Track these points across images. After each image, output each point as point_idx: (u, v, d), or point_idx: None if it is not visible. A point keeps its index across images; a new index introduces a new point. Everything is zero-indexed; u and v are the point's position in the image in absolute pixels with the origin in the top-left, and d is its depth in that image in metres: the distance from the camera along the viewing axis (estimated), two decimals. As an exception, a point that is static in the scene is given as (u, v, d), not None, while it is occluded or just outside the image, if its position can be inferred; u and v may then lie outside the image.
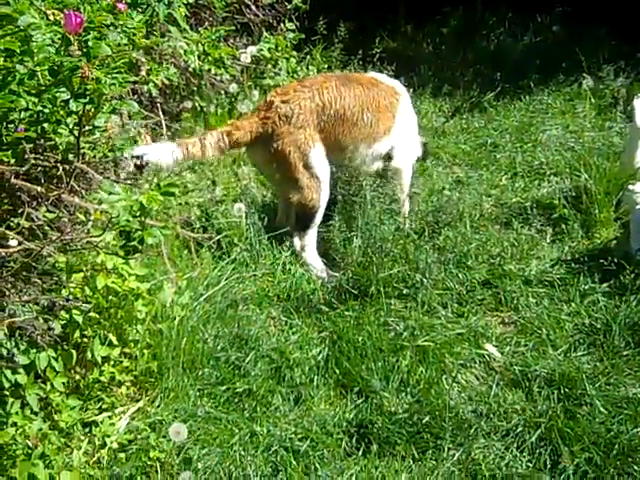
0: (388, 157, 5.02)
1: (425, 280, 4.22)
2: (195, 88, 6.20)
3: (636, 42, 7.51)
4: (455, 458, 3.20)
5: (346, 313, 4.08)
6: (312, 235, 4.71)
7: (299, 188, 4.62)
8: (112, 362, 3.49)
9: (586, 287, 4.23)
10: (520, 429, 3.30)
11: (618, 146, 5.66)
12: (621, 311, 3.89)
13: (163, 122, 5.74)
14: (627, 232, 4.58)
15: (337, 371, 3.71)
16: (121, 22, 4.28)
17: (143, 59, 5.16)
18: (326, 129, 4.70)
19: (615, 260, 4.17)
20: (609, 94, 6.60)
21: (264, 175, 5.09)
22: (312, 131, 4.64)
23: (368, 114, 4.81)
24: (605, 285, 4.19)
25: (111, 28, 3.60)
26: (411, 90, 7.04)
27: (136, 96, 5.50)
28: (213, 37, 6.09)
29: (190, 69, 5.93)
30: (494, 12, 8.87)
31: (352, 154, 4.83)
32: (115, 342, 3.46)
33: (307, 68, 6.94)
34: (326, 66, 7.34)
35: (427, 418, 3.33)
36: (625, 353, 3.70)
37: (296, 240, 4.70)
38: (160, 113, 5.80)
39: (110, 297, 3.49)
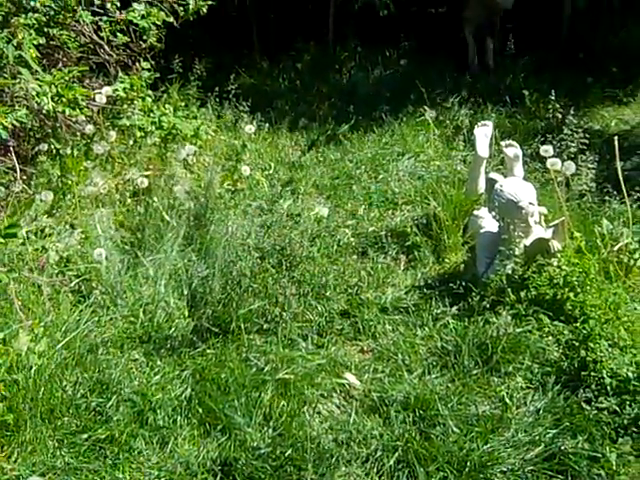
0: None
1: (285, 314, 4.32)
2: (50, 130, 6.09)
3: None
4: (317, 488, 3.28)
5: (208, 351, 4.11)
6: None
7: None
8: (-35, 418, 3.39)
9: (438, 311, 4.42)
10: (379, 454, 3.41)
11: (463, 173, 5.95)
12: (469, 332, 4.10)
13: (17, 166, 5.61)
14: (473, 256, 4.84)
15: (200, 410, 3.71)
16: (-33, 65, 4.20)
17: (-8, 102, 5.07)
18: None
19: (463, 283, 4.40)
20: (453, 124, 6.93)
21: None
22: None
23: None
24: (455, 308, 4.39)
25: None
26: (267, 125, 7.22)
27: (-14, 141, 5.37)
28: (67, 78, 5.99)
29: (44, 111, 5.82)
30: (344, 47, 9.20)
31: None
32: (-32, 397, 3.37)
33: (164, 106, 6.93)
34: (183, 104, 7.36)
35: (289, 451, 3.40)
36: (474, 372, 3.89)
37: None
38: (14, 157, 5.67)
39: (-40, 350, 3.40)
